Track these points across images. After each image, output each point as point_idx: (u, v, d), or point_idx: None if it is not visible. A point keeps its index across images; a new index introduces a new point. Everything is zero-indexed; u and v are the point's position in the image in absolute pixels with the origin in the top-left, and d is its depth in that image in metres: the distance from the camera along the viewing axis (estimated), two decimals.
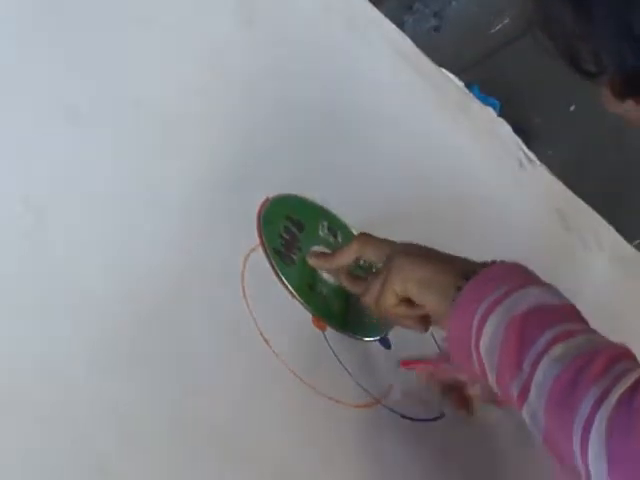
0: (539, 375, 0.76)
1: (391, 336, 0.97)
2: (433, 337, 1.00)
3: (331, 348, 0.92)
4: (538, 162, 1.28)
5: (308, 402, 0.88)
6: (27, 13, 0.90)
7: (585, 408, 0.72)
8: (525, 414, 0.78)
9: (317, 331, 0.92)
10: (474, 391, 0.93)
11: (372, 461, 0.89)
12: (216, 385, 0.83)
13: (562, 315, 0.80)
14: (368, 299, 0.91)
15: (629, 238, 1.34)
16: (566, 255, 1.19)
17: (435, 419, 0.95)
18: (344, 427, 0.89)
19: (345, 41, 1.17)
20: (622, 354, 0.76)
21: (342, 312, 0.97)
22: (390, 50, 1.21)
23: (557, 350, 0.76)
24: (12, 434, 0.71)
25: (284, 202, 0.98)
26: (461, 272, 0.85)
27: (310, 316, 0.93)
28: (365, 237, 0.94)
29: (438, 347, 1.00)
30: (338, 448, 0.88)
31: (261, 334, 0.88)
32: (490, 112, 1.31)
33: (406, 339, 0.98)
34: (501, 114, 1.35)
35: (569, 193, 1.29)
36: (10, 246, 0.78)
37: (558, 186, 1.29)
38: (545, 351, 0.76)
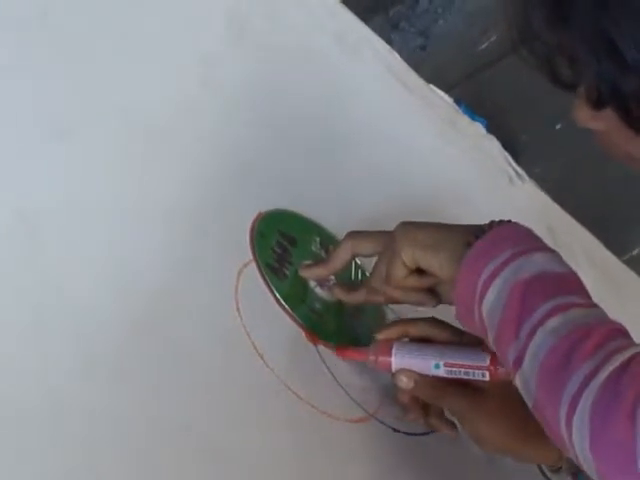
0: (534, 346, 0.77)
1: None
2: None
3: (324, 362, 0.92)
4: (527, 178, 1.28)
5: (301, 416, 0.88)
6: (11, 26, 0.90)
7: (574, 385, 0.73)
8: (518, 381, 0.79)
9: (310, 346, 0.92)
10: (401, 384, 0.90)
11: (365, 475, 0.89)
12: (209, 399, 0.83)
13: (564, 285, 0.80)
14: (376, 279, 0.91)
15: (617, 254, 1.35)
16: None
17: (428, 433, 0.94)
18: (337, 441, 0.89)
19: (335, 56, 1.17)
20: (616, 331, 0.76)
21: (335, 327, 0.97)
22: (379, 66, 1.22)
23: (553, 322, 0.76)
24: (7, 439, 0.71)
25: (276, 217, 0.99)
26: (469, 231, 0.86)
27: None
28: (356, 232, 0.94)
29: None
30: (331, 462, 0.88)
31: (255, 348, 0.88)
32: (479, 128, 1.31)
33: None
34: (488, 132, 1.36)
35: (559, 209, 1.30)
36: (3, 257, 0.78)
37: (548, 202, 1.30)
38: (542, 322, 0.77)
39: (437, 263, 0.87)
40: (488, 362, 0.88)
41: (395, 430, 0.93)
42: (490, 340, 0.82)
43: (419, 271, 0.90)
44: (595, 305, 0.80)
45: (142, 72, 0.97)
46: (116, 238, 0.85)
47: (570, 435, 0.73)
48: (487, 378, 0.88)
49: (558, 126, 2.20)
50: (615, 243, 1.34)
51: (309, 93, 1.11)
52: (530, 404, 0.78)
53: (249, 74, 1.06)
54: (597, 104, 0.71)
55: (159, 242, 0.88)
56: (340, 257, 0.94)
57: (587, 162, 2.17)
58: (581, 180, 2.17)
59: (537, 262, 0.81)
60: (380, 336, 0.92)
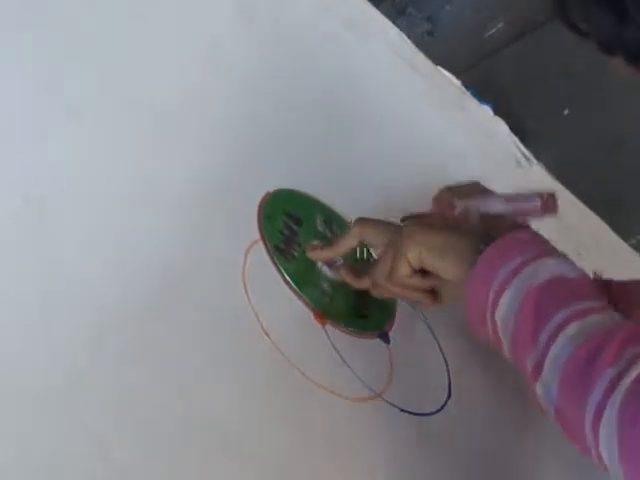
0: (553, 352, 0.77)
1: (390, 332, 0.98)
2: (436, 340, 1.01)
3: (331, 343, 0.92)
4: (535, 161, 1.28)
5: (309, 396, 0.88)
6: (27, 11, 0.90)
7: (598, 392, 0.73)
8: (539, 389, 0.79)
9: (318, 326, 0.93)
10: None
11: (371, 454, 0.90)
12: (217, 379, 0.83)
13: (578, 290, 0.81)
14: (379, 274, 0.92)
15: (623, 238, 1.34)
16: None
17: (434, 413, 0.95)
18: (344, 421, 0.89)
19: (344, 40, 1.17)
20: (635, 335, 0.76)
21: (342, 307, 0.97)
22: (388, 49, 1.22)
23: (571, 329, 0.77)
24: (15, 425, 0.72)
25: (282, 197, 0.99)
26: (478, 237, 0.86)
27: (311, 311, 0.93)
28: (364, 220, 0.95)
29: (438, 344, 1.00)
30: (338, 441, 0.88)
31: (262, 328, 0.88)
32: (487, 111, 1.31)
33: (405, 334, 0.99)
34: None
35: (565, 192, 1.29)
36: (10, 240, 0.79)
37: (555, 185, 1.29)
38: (560, 329, 0.77)
39: (443, 266, 0.87)
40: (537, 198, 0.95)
41: (402, 410, 0.93)
42: (505, 347, 0.83)
43: (422, 272, 0.90)
44: (609, 307, 0.80)
45: (152, 57, 0.97)
46: (123, 221, 0.86)
47: (597, 442, 0.73)
48: (539, 204, 0.94)
49: (566, 111, 2.20)
50: (622, 227, 1.34)
51: (317, 76, 1.11)
52: (551, 410, 0.78)
53: (258, 58, 1.07)
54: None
55: (167, 223, 0.88)
56: (347, 243, 0.95)
57: (594, 147, 2.17)
58: (588, 164, 2.17)
59: (548, 267, 0.82)
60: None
